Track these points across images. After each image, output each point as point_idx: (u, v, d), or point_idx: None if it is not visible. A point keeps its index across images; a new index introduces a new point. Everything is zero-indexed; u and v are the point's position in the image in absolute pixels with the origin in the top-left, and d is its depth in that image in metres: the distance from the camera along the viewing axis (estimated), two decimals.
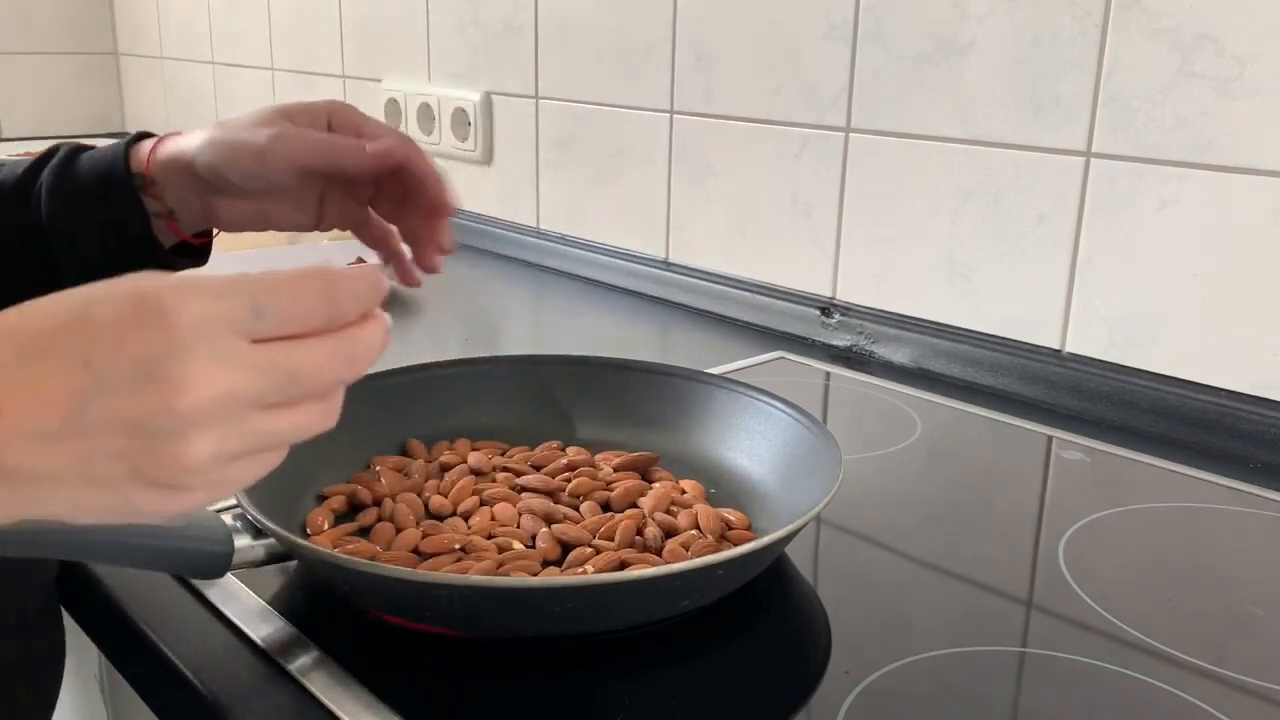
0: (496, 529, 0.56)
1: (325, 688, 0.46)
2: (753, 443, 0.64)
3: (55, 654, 0.56)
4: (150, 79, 2.16)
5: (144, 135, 0.61)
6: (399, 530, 0.56)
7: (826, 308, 1.00)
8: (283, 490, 0.57)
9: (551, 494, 0.61)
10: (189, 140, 0.58)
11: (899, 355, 0.94)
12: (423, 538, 0.55)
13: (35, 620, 0.53)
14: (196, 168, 0.57)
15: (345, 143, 0.56)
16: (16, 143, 2.06)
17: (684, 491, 0.61)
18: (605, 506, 0.60)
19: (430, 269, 0.61)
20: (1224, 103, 0.73)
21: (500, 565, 0.52)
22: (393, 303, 1.12)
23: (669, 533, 0.56)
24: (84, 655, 0.65)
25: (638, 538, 0.55)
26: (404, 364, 0.69)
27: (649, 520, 0.57)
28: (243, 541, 0.49)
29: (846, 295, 0.99)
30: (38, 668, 0.54)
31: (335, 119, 0.58)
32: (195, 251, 0.63)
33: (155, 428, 0.30)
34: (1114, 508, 0.66)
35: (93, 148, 0.62)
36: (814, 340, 1.01)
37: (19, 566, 0.52)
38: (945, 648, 0.50)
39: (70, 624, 0.58)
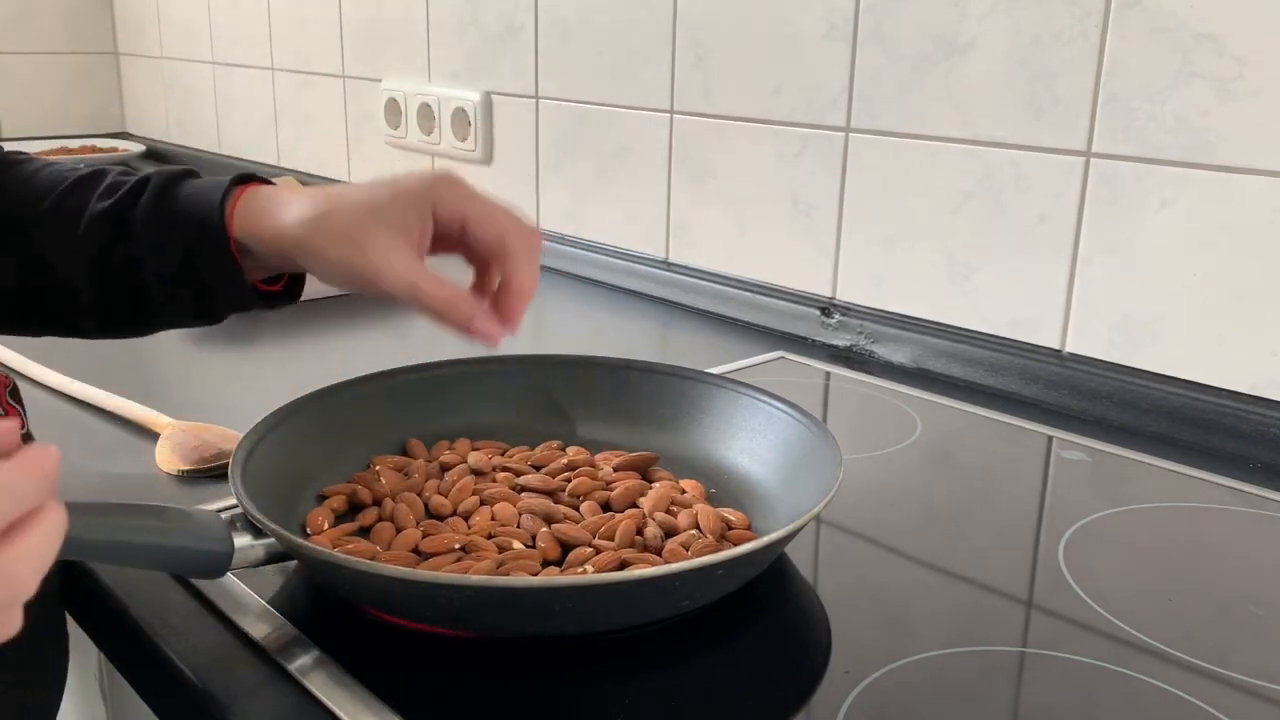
0: (496, 529, 0.56)
1: (325, 688, 0.46)
2: (753, 443, 0.64)
3: (57, 654, 0.56)
4: (150, 79, 2.15)
5: (244, 179, 0.57)
6: (399, 530, 0.56)
7: (826, 308, 1.00)
8: (283, 490, 0.57)
9: (551, 494, 0.61)
10: (286, 215, 0.53)
11: (899, 355, 0.94)
12: (423, 538, 0.55)
13: (37, 621, 0.53)
14: (290, 255, 0.54)
15: (446, 306, 0.52)
16: (16, 142, 2.06)
17: (684, 491, 0.61)
18: (605, 506, 0.60)
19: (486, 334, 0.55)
20: (1224, 103, 0.73)
21: (500, 565, 0.52)
22: (392, 301, 1.12)
23: (669, 533, 0.56)
24: (84, 655, 0.65)
25: (638, 538, 0.55)
26: (404, 364, 0.69)
27: (649, 520, 0.57)
28: (243, 541, 0.49)
29: (846, 295, 0.99)
30: (40, 668, 0.54)
31: (441, 207, 0.53)
32: (289, 293, 0.61)
33: None
34: (1114, 508, 0.66)
35: (189, 174, 0.58)
36: (814, 340, 1.01)
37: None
38: (945, 648, 0.50)
39: (70, 624, 0.58)
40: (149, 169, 0.60)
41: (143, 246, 0.55)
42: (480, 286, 0.56)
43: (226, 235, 0.54)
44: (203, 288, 0.56)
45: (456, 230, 0.54)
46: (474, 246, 0.54)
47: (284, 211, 0.54)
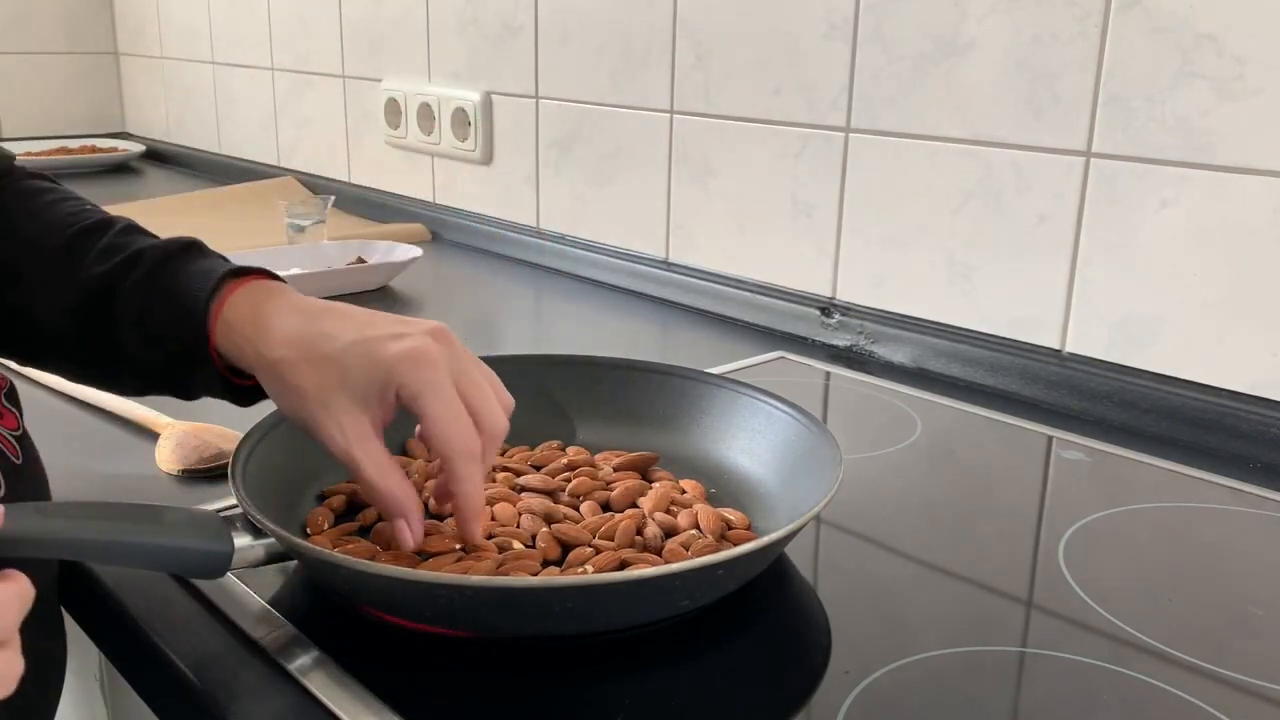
0: (496, 529, 0.56)
1: (325, 688, 0.46)
2: (753, 443, 0.64)
3: (57, 654, 0.56)
4: (150, 79, 2.15)
5: (233, 274, 0.56)
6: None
7: (826, 308, 1.00)
8: (283, 490, 0.57)
9: (551, 494, 0.61)
10: (263, 345, 0.53)
11: (899, 355, 0.94)
12: (423, 537, 0.55)
13: (36, 621, 0.53)
14: (261, 381, 0.54)
15: (380, 497, 0.51)
16: (16, 142, 2.06)
17: (684, 491, 0.61)
18: (605, 506, 0.60)
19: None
20: (1224, 103, 0.73)
21: (500, 565, 0.52)
22: (392, 301, 1.12)
23: (669, 533, 0.56)
24: (84, 655, 0.65)
25: (638, 538, 0.55)
26: None
27: (649, 520, 0.57)
28: (243, 541, 0.49)
29: (846, 295, 0.99)
30: (40, 669, 0.54)
31: (402, 392, 0.51)
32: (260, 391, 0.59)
33: None
34: (1114, 508, 0.66)
35: (187, 250, 0.57)
36: (814, 340, 1.01)
37: (19, 567, 0.52)
38: (945, 648, 0.50)
39: (70, 624, 0.58)
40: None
41: (125, 326, 0.56)
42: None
43: (207, 341, 0.54)
44: (176, 374, 0.57)
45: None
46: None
47: (262, 340, 0.53)
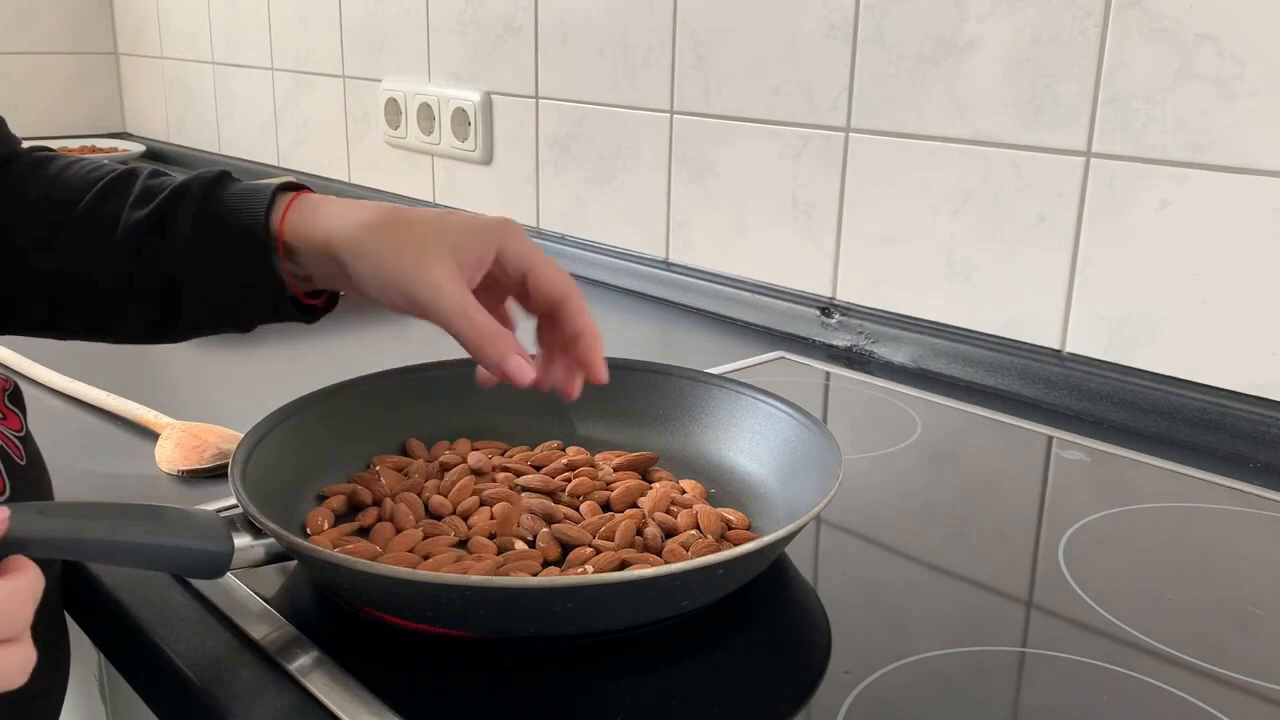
0: (496, 529, 0.56)
1: (325, 688, 0.46)
2: (753, 443, 0.64)
3: (59, 656, 0.56)
4: (150, 79, 2.15)
5: (290, 186, 0.56)
6: (399, 530, 0.56)
7: (826, 308, 1.00)
8: (283, 490, 0.57)
9: (551, 494, 0.61)
10: (338, 224, 0.53)
11: (899, 355, 0.94)
12: (423, 538, 0.55)
13: (39, 622, 0.53)
14: (343, 266, 0.53)
15: (490, 337, 0.51)
16: None
17: (684, 491, 0.61)
18: (605, 506, 0.60)
19: (566, 391, 0.57)
20: (1224, 103, 0.73)
21: (500, 565, 0.52)
22: None
23: (669, 533, 0.56)
24: (84, 655, 0.65)
25: (638, 538, 0.55)
26: (404, 364, 0.69)
27: (649, 520, 0.57)
28: (243, 541, 0.49)
29: (846, 295, 0.99)
30: (44, 669, 0.54)
31: (506, 253, 0.53)
32: (327, 307, 0.60)
33: None
34: (1114, 508, 0.66)
35: (226, 177, 0.57)
36: (814, 340, 1.01)
37: None
38: (945, 648, 0.50)
39: (70, 624, 0.58)
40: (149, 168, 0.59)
41: (182, 259, 0.55)
42: (543, 339, 0.58)
43: (275, 245, 0.54)
44: (241, 299, 0.56)
45: (513, 279, 0.55)
46: (535, 298, 0.55)
47: (340, 214, 0.53)
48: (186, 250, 0.55)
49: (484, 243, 0.53)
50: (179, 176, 0.58)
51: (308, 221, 0.54)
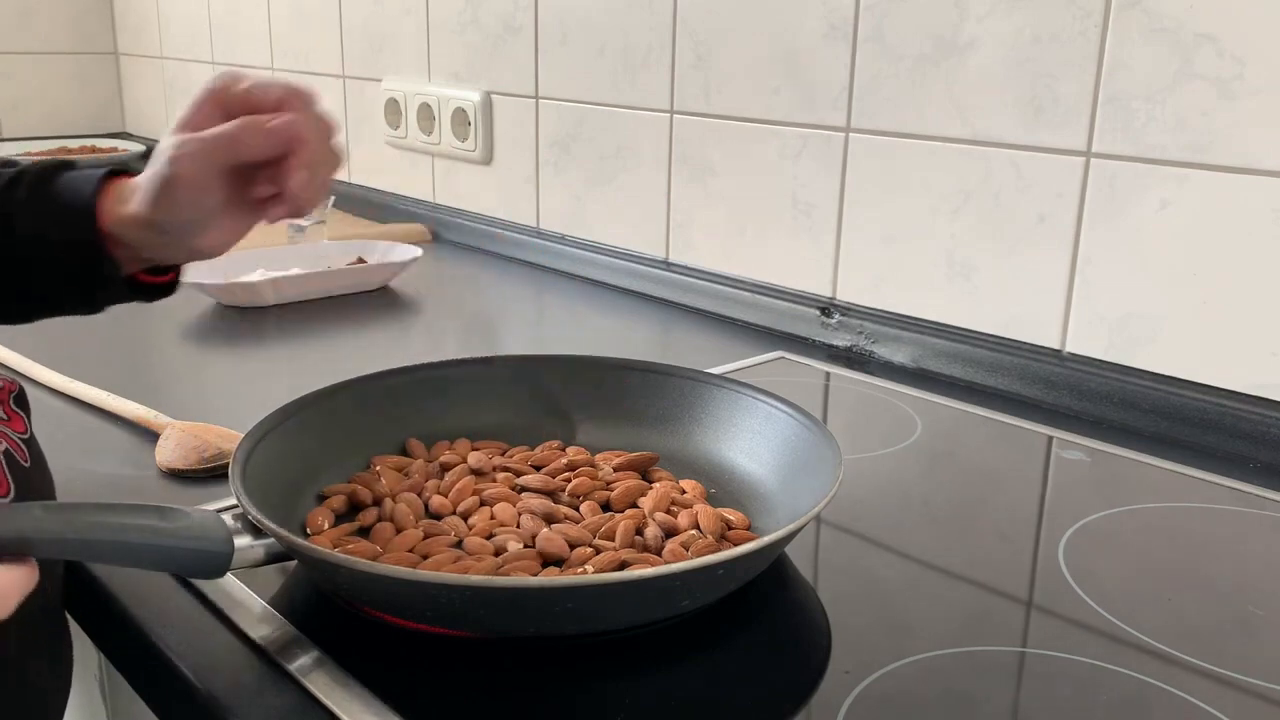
0: (496, 529, 0.56)
1: (325, 688, 0.46)
2: (753, 443, 0.64)
3: (61, 656, 0.56)
4: (150, 79, 2.15)
5: (115, 173, 0.58)
6: (399, 530, 0.56)
7: (826, 308, 1.00)
8: (283, 490, 0.57)
9: (551, 494, 0.61)
10: (134, 193, 0.56)
11: (899, 355, 0.94)
12: (423, 538, 0.55)
13: (42, 623, 0.53)
14: (146, 222, 0.55)
15: (242, 129, 0.52)
16: (17, 142, 2.06)
17: (684, 491, 0.61)
18: (605, 506, 0.60)
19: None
20: (1224, 103, 0.73)
21: (500, 565, 0.52)
22: (392, 302, 1.12)
23: (669, 533, 0.56)
24: (84, 655, 0.65)
25: (638, 538, 0.55)
26: (404, 364, 0.69)
27: (649, 520, 0.57)
28: (243, 541, 0.49)
29: (846, 295, 0.99)
30: (46, 670, 0.54)
31: (227, 98, 0.54)
32: (167, 288, 0.62)
33: None
34: (1114, 508, 0.66)
35: (65, 166, 0.59)
36: (814, 340, 1.01)
37: None
38: (945, 648, 0.50)
39: (70, 624, 0.58)
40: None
41: (20, 240, 0.57)
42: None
43: (96, 227, 0.56)
44: (78, 280, 0.57)
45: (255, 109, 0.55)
46: (264, 108, 0.54)
47: (133, 191, 0.56)
48: (21, 234, 0.57)
49: (199, 101, 0.54)
50: (22, 165, 0.60)
51: (122, 212, 0.56)
